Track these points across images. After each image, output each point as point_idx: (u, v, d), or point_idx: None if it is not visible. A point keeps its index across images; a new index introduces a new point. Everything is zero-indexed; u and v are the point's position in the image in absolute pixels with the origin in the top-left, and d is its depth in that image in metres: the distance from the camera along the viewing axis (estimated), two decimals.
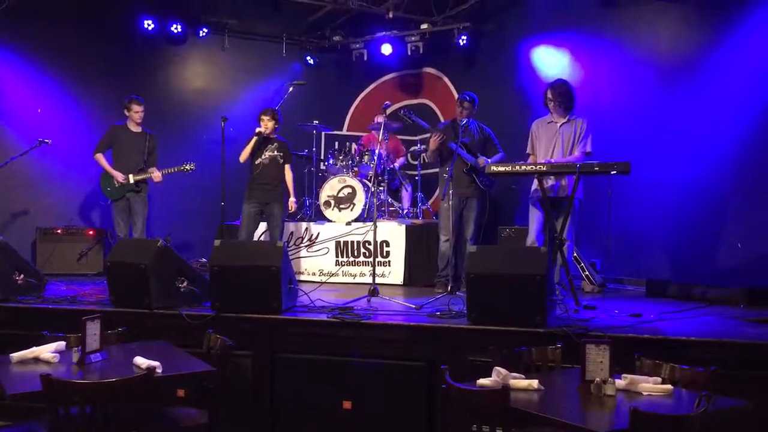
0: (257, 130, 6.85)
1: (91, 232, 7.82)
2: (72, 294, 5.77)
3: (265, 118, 6.88)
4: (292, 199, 7.05)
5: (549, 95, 5.97)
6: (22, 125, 7.83)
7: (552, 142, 5.96)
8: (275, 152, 6.92)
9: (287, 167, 7.02)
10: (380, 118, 7.04)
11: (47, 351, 3.51)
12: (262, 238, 7.18)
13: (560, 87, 5.95)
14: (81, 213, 8.24)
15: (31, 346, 3.54)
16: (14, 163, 7.22)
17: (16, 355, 3.47)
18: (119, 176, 6.91)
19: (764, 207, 6.02)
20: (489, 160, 6.40)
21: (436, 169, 7.08)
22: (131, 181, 6.95)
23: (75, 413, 2.96)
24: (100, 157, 7.02)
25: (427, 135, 7.20)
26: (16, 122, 7.89)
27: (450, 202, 6.32)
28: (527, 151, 6.13)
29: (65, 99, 8.16)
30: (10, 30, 7.78)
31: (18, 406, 4.56)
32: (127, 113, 7.03)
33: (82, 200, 8.24)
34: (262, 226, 7.17)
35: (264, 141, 6.92)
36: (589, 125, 5.94)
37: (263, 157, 6.90)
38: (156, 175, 6.97)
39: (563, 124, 5.95)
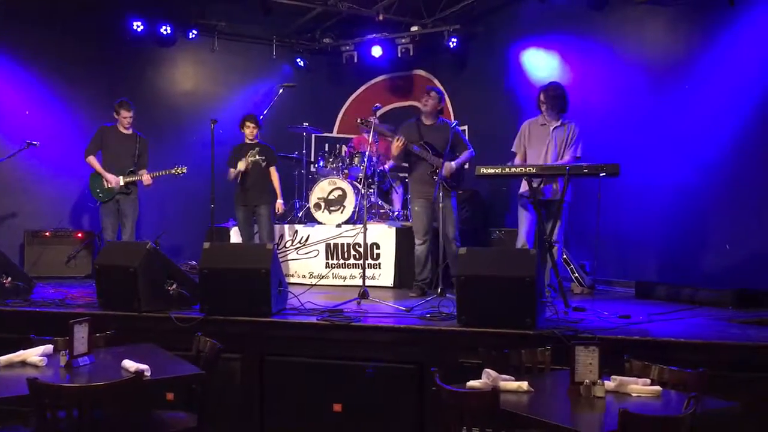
0: (240, 169, 6.87)
1: (79, 235, 7.78)
2: (60, 297, 5.73)
3: (251, 124, 6.99)
4: (279, 201, 7.07)
5: (542, 98, 5.96)
6: (10, 127, 7.79)
7: (544, 145, 5.96)
8: (257, 156, 6.94)
9: (272, 170, 7.07)
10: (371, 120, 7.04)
11: (35, 354, 3.48)
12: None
13: (553, 90, 5.95)
14: (69, 215, 8.20)
15: (19, 350, 3.51)
16: (2, 166, 7.19)
17: (3, 359, 3.44)
18: (112, 180, 6.85)
19: (752, 209, 6.05)
20: (454, 164, 6.32)
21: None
22: (121, 183, 6.90)
23: (62, 417, 2.94)
24: (92, 160, 6.96)
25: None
26: (4, 124, 7.84)
27: (416, 207, 6.33)
28: (513, 149, 6.07)
29: (53, 101, 8.12)
30: None
31: (5, 410, 4.52)
32: (116, 116, 6.98)
33: (71, 203, 8.20)
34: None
35: (246, 146, 6.98)
36: (581, 130, 5.97)
37: (246, 162, 6.93)
38: (146, 177, 6.92)
39: (556, 128, 5.96)
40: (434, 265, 6.44)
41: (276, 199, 7.10)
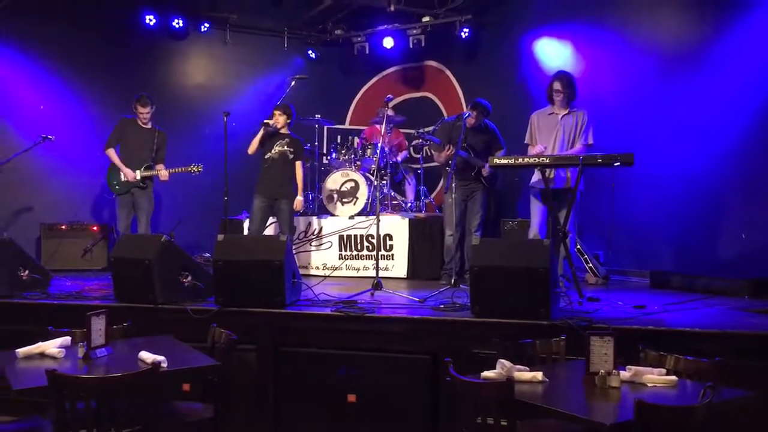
0: (264, 121, 6.83)
1: (95, 228, 7.83)
2: (77, 289, 5.79)
3: (276, 112, 6.88)
4: (299, 198, 6.92)
5: (557, 86, 5.94)
6: (25, 122, 7.84)
7: (553, 133, 5.96)
8: (285, 147, 6.87)
9: (298, 164, 6.93)
10: (383, 112, 7.05)
11: (53, 346, 3.52)
12: (272, 233, 7.18)
13: (568, 78, 5.96)
14: (85, 209, 8.25)
15: (37, 342, 3.56)
16: (18, 160, 7.23)
17: (21, 351, 3.49)
18: (129, 174, 6.87)
19: None
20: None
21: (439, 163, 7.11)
22: (138, 177, 6.92)
23: (81, 408, 2.97)
24: (111, 153, 6.97)
25: (429, 128, 7.21)
26: (19, 119, 7.89)
27: (453, 196, 6.34)
28: (525, 141, 6.14)
29: (68, 95, 8.16)
30: (11, 26, 7.79)
31: (24, 401, 4.58)
32: (134, 110, 7.01)
33: (86, 196, 8.25)
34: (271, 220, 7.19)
35: (275, 135, 6.90)
36: (590, 117, 5.94)
37: (273, 151, 6.86)
38: (163, 173, 6.93)
39: (564, 116, 5.95)
40: (461, 254, 6.66)
41: (296, 194, 7.02)
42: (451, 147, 6.43)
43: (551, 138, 5.95)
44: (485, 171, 6.52)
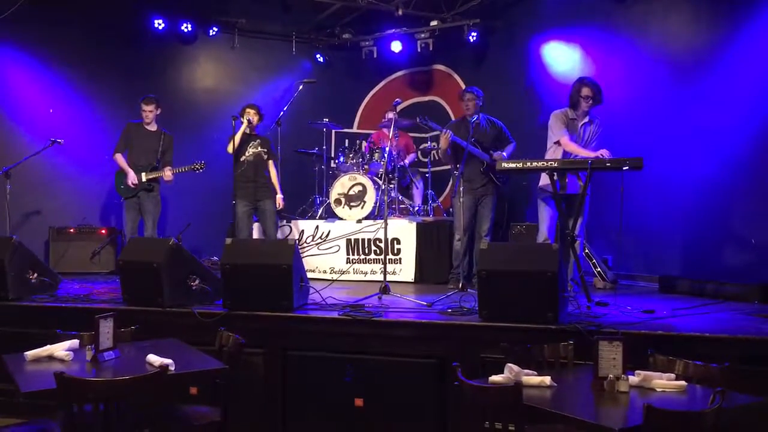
0: (246, 118, 6.83)
1: (103, 231, 7.87)
2: (85, 293, 5.81)
3: (251, 111, 6.90)
4: (279, 195, 6.98)
5: (586, 92, 5.81)
6: (35, 125, 7.89)
7: (573, 140, 5.92)
8: (259, 148, 6.91)
9: (271, 163, 7.00)
10: (391, 115, 7.06)
11: (61, 349, 3.53)
12: (256, 234, 7.19)
13: (595, 84, 5.84)
14: (93, 212, 8.29)
15: (45, 345, 3.57)
16: (27, 163, 7.28)
17: (30, 354, 3.50)
18: (132, 178, 6.91)
19: None
20: (505, 155, 6.47)
21: (448, 166, 7.11)
22: (143, 179, 6.96)
23: (89, 411, 2.98)
24: (119, 158, 7.04)
25: (437, 133, 7.21)
26: (29, 123, 7.95)
27: (462, 200, 6.33)
28: (555, 140, 5.92)
29: (77, 99, 8.22)
30: (21, 31, 7.85)
31: (32, 404, 4.61)
32: (141, 112, 7.06)
33: (95, 199, 8.30)
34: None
35: (247, 137, 6.93)
36: (603, 127, 5.93)
37: (248, 154, 6.89)
38: (167, 174, 6.97)
39: (584, 124, 5.92)
40: (470, 258, 6.63)
41: (275, 193, 7.02)
42: (448, 132, 6.38)
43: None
44: (497, 157, 6.41)
